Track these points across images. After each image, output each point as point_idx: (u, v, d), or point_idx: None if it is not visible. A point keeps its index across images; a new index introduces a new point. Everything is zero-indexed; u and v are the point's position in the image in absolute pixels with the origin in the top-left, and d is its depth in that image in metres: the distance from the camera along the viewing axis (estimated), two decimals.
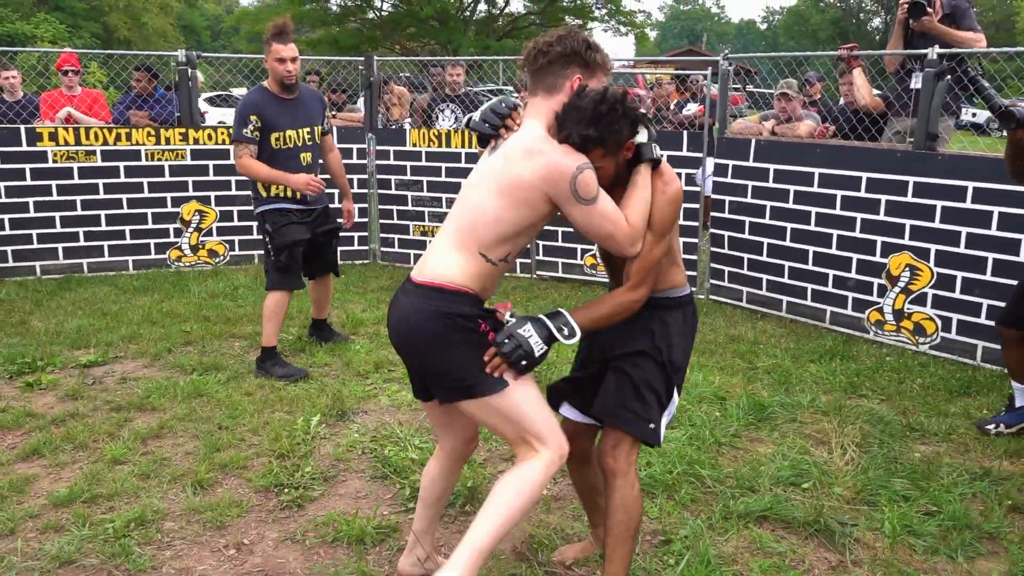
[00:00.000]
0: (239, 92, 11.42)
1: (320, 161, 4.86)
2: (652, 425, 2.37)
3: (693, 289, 6.27)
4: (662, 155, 2.30)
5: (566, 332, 2.20)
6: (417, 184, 7.15)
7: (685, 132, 6.42)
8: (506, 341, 2.18)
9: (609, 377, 2.43)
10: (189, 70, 6.79)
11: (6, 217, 6.52)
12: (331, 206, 5.00)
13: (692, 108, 8.29)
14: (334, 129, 4.95)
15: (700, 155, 6.21)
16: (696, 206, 6.29)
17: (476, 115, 2.39)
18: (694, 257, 6.34)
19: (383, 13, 28.78)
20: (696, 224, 6.33)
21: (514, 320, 2.24)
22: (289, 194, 4.58)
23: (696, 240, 6.35)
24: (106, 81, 10.70)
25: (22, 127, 6.53)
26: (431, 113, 7.51)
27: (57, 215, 6.63)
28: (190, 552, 2.85)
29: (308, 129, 4.63)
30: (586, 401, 2.55)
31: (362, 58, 7.32)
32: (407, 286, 2.29)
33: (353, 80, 7.79)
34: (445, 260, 2.25)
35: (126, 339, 5.04)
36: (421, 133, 7.10)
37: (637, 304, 2.29)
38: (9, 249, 6.58)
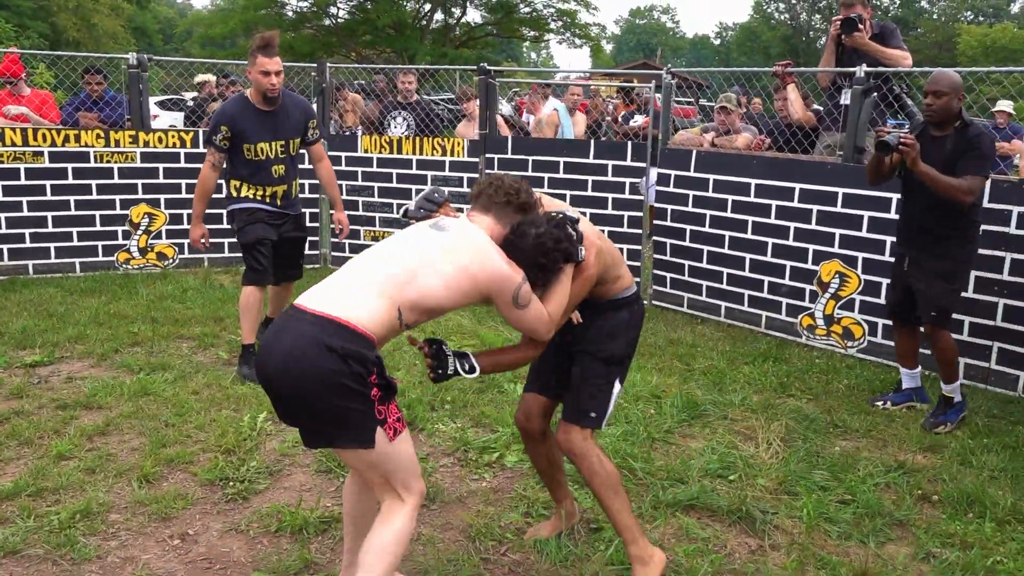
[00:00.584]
0: (190, 96, 11.39)
1: (296, 192, 4.92)
2: (593, 414, 2.71)
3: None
4: (582, 255, 2.52)
5: (467, 367, 2.46)
6: (368, 190, 7.25)
7: (629, 143, 6.62)
8: (434, 347, 2.44)
9: (574, 372, 2.76)
10: (140, 73, 6.80)
11: None
12: (305, 214, 5.06)
13: (639, 120, 8.53)
14: (321, 138, 4.91)
15: (644, 165, 6.42)
16: (640, 214, 6.49)
17: (411, 204, 2.70)
18: (638, 264, 6.53)
19: (339, 20, 28.77)
20: (640, 232, 6.52)
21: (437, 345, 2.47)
22: (258, 196, 4.67)
23: (640, 247, 6.54)
24: (54, 83, 10.58)
25: None
26: (383, 120, 7.61)
27: (2, 216, 6.58)
28: (135, 542, 2.92)
29: (283, 143, 4.64)
30: (547, 383, 2.87)
31: (315, 64, 7.40)
32: (302, 315, 2.18)
33: (306, 86, 7.86)
34: (362, 301, 2.19)
35: (72, 339, 5.05)
36: (373, 140, 7.20)
37: (537, 354, 2.61)
38: None
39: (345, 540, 2.57)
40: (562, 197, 6.61)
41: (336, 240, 7.43)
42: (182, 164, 6.95)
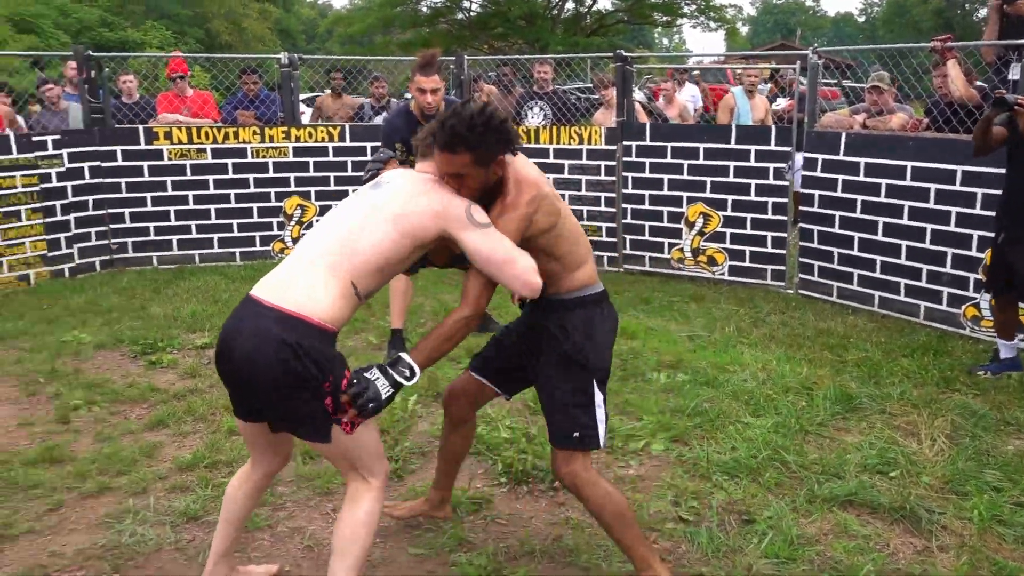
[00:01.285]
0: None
1: None
2: (576, 435, 2.45)
3: (780, 284, 6.27)
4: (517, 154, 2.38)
5: (407, 374, 2.20)
6: None
7: (773, 127, 6.41)
8: (355, 382, 2.16)
9: (541, 396, 2.55)
10: (291, 71, 7.15)
11: (127, 211, 7.01)
12: None
13: (782, 103, 8.24)
14: None
15: (789, 149, 6.20)
16: (784, 200, 6.28)
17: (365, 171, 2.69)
18: (783, 251, 6.33)
19: (472, 13, 29.18)
20: (784, 219, 6.31)
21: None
22: None
23: (784, 235, 6.33)
24: (209, 83, 11.30)
25: (140, 127, 7.01)
26: (519, 111, 7.68)
27: (172, 208, 7.08)
28: (301, 514, 3.09)
29: None
30: (487, 363, 2.75)
31: (452, 57, 7.54)
32: (259, 309, 2.13)
33: (443, 79, 8.01)
34: (314, 289, 2.14)
35: None
36: None
37: (468, 322, 2.30)
38: (129, 241, 7.07)
39: (217, 542, 2.49)
40: (702, 184, 6.50)
41: None
42: (331, 158, 7.26)
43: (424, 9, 29.17)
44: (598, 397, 2.47)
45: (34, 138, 6.58)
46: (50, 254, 6.69)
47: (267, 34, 49.89)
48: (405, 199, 2.28)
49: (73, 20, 37.38)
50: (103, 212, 6.94)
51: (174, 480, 3.30)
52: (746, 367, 4.55)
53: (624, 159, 6.87)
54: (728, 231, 6.51)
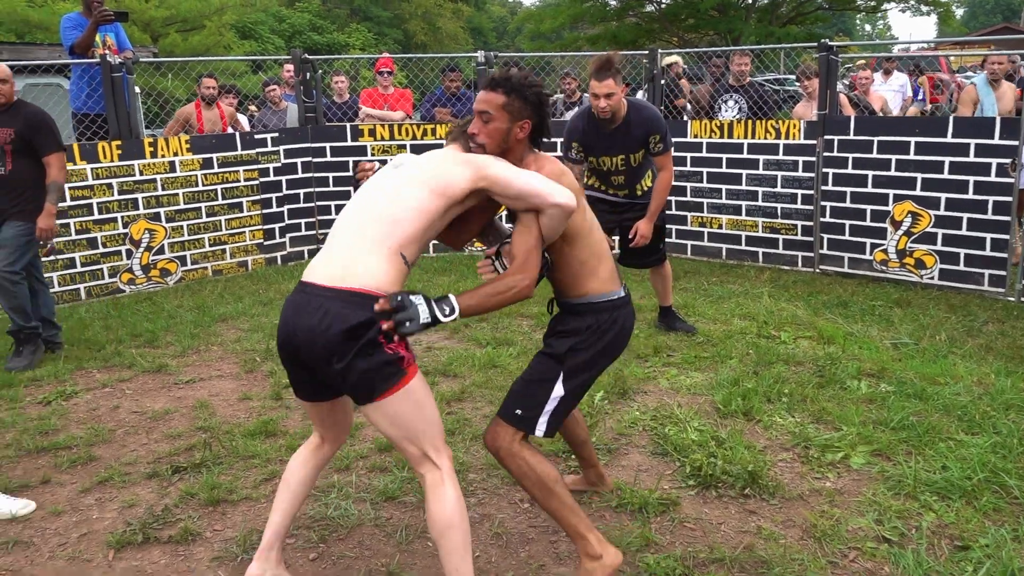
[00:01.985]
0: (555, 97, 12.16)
1: (649, 184, 4.95)
2: (519, 412, 2.52)
3: (999, 291, 5.75)
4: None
5: (447, 311, 2.24)
6: (696, 175, 7.18)
7: (998, 118, 5.87)
8: (398, 299, 2.16)
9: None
10: (488, 69, 7.34)
11: (333, 204, 7.49)
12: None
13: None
14: (670, 151, 4.83)
15: (1016, 143, 5.65)
16: (1008, 199, 5.73)
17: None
18: (1004, 255, 5.78)
19: (661, 6, 28.74)
20: (1007, 219, 5.76)
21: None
22: (601, 187, 4.94)
23: (1007, 237, 5.78)
24: (405, 83, 11.92)
25: (347, 125, 7.46)
26: (713, 104, 7.49)
27: None
28: (491, 502, 3.18)
29: (623, 157, 4.75)
30: None
31: (646, 51, 7.46)
32: (320, 291, 2.19)
33: (637, 74, 7.95)
34: (369, 264, 2.20)
35: None
36: (703, 124, 7.11)
37: (520, 289, 2.34)
38: None
39: (275, 517, 2.54)
40: (912, 181, 6.07)
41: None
42: None
43: (613, 3, 29.05)
44: (557, 390, 2.54)
45: (256, 136, 7.16)
46: (266, 243, 7.27)
47: (460, 32, 51.63)
48: (432, 165, 2.39)
49: (286, 25, 40.37)
50: (312, 204, 7.45)
51: (373, 460, 3.49)
52: (959, 380, 4.20)
53: (825, 154, 6.53)
54: (940, 232, 6.03)
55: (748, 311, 5.53)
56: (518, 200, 2.39)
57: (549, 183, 2.38)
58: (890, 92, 9.36)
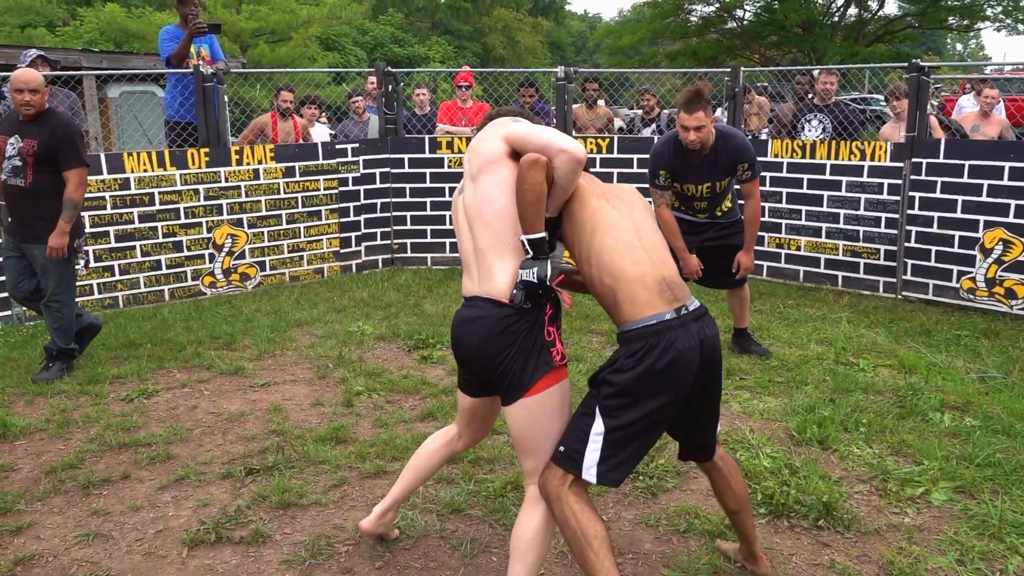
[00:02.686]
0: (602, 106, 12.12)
1: (729, 205, 5.00)
2: (562, 448, 2.36)
3: None
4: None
5: (529, 252, 2.36)
6: (776, 195, 7.04)
7: None
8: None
9: None
10: (566, 84, 7.36)
11: (408, 214, 7.60)
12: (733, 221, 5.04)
13: None
14: (758, 178, 4.85)
15: None
16: None
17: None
18: None
19: (744, 23, 28.37)
20: None
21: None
22: (682, 207, 4.96)
23: None
24: (483, 95, 12.10)
25: (426, 136, 7.56)
26: (796, 123, 7.34)
27: (447, 214, 7.57)
28: None
29: (708, 184, 4.77)
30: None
31: (728, 69, 7.36)
32: (477, 302, 2.43)
33: (718, 92, 7.86)
34: (494, 273, 2.40)
35: None
36: (784, 144, 6.98)
37: (530, 165, 2.35)
38: (409, 242, 7.65)
39: (397, 488, 2.85)
40: (1004, 208, 5.84)
41: None
42: (597, 168, 7.38)
43: (694, 19, 28.80)
44: (597, 426, 2.30)
45: (337, 146, 7.32)
46: (342, 251, 7.41)
47: (538, 47, 51.93)
48: (476, 156, 2.51)
49: (369, 38, 41.25)
50: (388, 214, 7.57)
51: (441, 472, 3.50)
52: None
53: (912, 177, 6.33)
54: None
55: (825, 336, 5.38)
56: (527, 146, 2.42)
57: (559, 135, 2.40)
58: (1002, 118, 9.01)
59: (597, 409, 2.31)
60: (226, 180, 6.73)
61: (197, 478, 3.48)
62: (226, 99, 11.79)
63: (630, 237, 2.44)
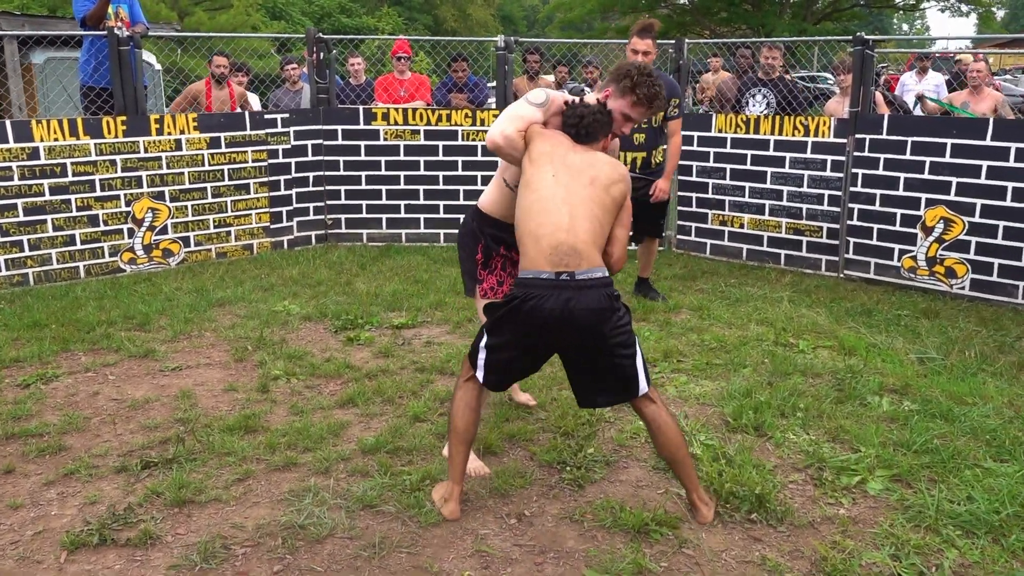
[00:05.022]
0: (548, 79, 11.86)
1: (660, 159, 5.57)
2: (471, 349, 2.91)
3: None
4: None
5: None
6: (719, 172, 6.90)
7: None
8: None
9: None
10: (507, 54, 7.09)
11: (343, 188, 7.29)
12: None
13: None
14: (681, 117, 5.57)
15: None
16: None
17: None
18: None
19: None
20: None
21: None
22: (623, 153, 5.21)
23: None
24: (431, 68, 11.74)
25: (360, 108, 7.24)
26: (740, 98, 7.19)
27: (383, 188, 7.28)
28: (476, 515, 2.95)
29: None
30: None
31: (672, 42, 7.17)
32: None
33: (663, 64, 7.66)
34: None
35: (433, 305, 5.41)
36: (728, 119, 6.83)
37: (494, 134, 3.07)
38: (343, 217, 7.35)
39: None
40: (946, 185, 5.77)
41: (683, 223, 7.20)
42: None
43: None
44: (486, 340, 2.84)
45: (266, 116, 6.97)
46: (272, 226, 7.08)
47: (490, 20, 51.22)
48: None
49: (316, 7, 40.21)
50: (322, 188, 7.26)
51: (356, 463, 3.28)
52: (989, 400, 3.92)
53: (855, 154, 6.23)
54: (973, 240, 5.72)
55: (766, 316, 5.26)
56: None
57: (497, 121, 3.00)
58: (925, 92, 8.98)
59: (485, 327, 2.87)
60: (145, 150, 6.34)
61: (88, 472, 3.20)
62: (159, 67, 11.29)
63: (548, 203, 2.77)
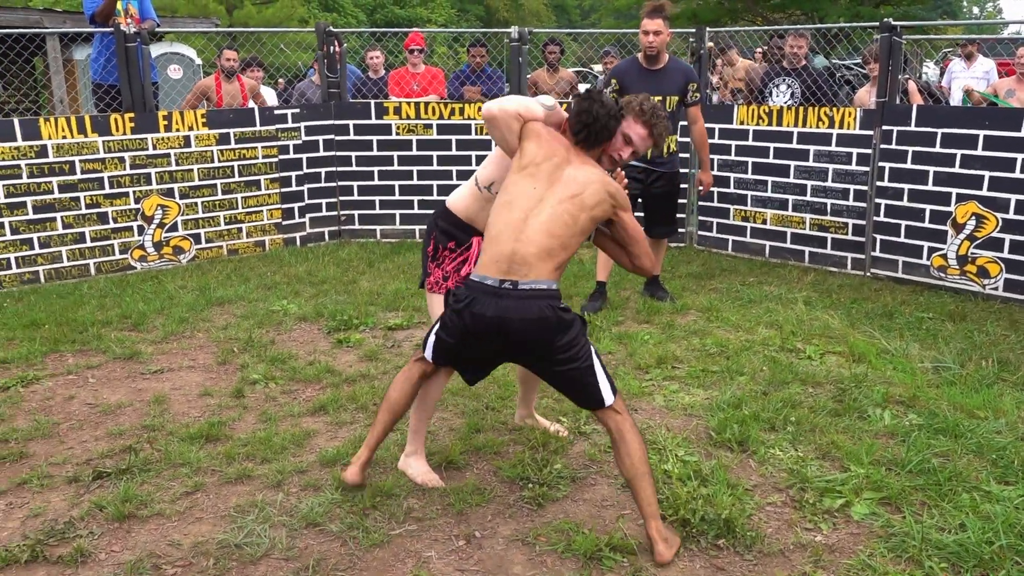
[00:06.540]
0: (598, 68, 11.63)
1: (673, 148, 5.34)
2: (427, 332, 2.97)
3: None
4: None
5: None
6: (741, 165, 6.62)
7: None
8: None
9: None
10: (520, 46, 6.91)
11: (355, 184, 7.20)
12: (680, 174, 5.63)
13: None
14: (702, 102, 5.54)
15: None
16: None
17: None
18: None
19: None
20: None
21: None
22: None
23: None
24: (452, 60, 11.66)
25: (372, 102, 7.13)
26: (763, 88, 6.88)
27: (396, 184, 7.17)
28: (425, 534, 2.81)
29: (660, 98, 4.95)
30: None
31: (692, 30, 6.89)
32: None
33: (682, 53, 7.39)
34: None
35: None
36: (750, 110, 6.53)
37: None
38: (356, 213, 7.27)
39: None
40: (978, 180, 5.41)
41: (704, 219, 6.94)
42: None
43: None
44: (437, 326, 2.90)
45: (276, 111, 6.91)
46: (284, 222, 7.03)
47: (542, 10, 50.82)
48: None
49: None
50: (334, 184, 7.18)
51: (311, 476, 3.17)
52: (1002, 414, 3.63)
53: (882, 146, 5.89)
54: (1007, 237, 5.35)
55: (776, 319, 4.99)
56: None
57: (509, 97, 2.96)
58: (973, 80, 8.52)
59: (439, 319, 2.92)
60: (154, 147, 6.33)
61: (41, 482, 3.14)
62: (199, 62, 11.36)
63: (516, 211, 2.74)
